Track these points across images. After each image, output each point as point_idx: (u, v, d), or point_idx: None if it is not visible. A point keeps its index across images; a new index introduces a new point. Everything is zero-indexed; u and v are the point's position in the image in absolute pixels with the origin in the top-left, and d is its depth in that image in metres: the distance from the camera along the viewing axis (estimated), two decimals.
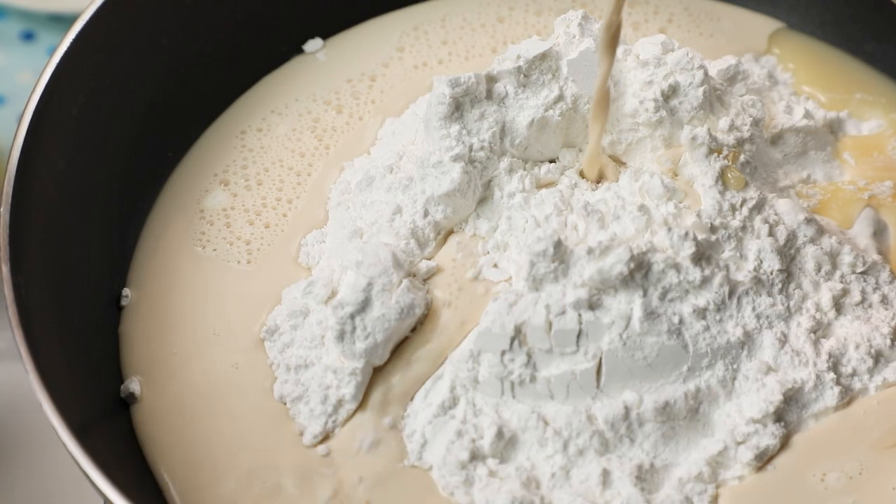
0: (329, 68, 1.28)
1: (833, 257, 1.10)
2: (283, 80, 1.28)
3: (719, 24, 1.32)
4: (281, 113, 1.25)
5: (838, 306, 1.09)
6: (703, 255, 1.05)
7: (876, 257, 1.13)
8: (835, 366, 1.07)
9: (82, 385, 1.06)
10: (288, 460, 1.05)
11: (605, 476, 1.02)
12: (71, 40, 1.15)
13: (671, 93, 1.11)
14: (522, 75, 1.12)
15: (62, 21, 1.63)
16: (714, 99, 1.13)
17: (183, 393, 1.09)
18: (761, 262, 1.07)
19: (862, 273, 1.11)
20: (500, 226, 1.11)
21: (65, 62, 1.14)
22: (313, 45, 1.31)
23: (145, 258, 1.17)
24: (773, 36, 1.32)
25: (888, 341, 1.08)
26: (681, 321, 1.04)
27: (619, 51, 1.10)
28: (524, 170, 1.12)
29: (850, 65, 1.31)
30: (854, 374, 1.07)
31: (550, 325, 1.02)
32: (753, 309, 1.07)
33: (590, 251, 1.03)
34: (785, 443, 1.04)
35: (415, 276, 1.09)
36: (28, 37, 1.63)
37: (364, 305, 1.05)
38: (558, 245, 1.02)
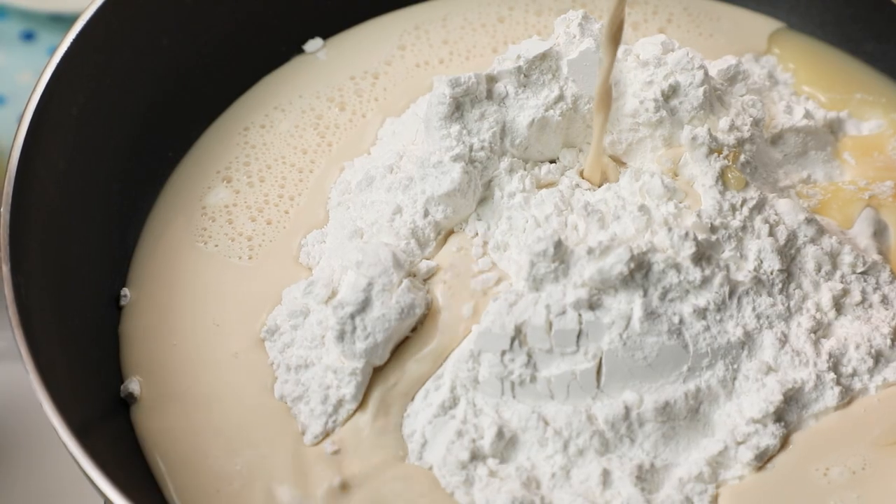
0: (332, 66, 1.29)
1: (833, 257, 1.10)
2: (287, 77, 1.28)
3: (719, 24, 1.32)
4: (284, 110, 1.26)
5: (838, 306, 1.09)
6: (703, 255, 1.05)
7: (876, 257, 1.13)
8: (835, 366, 1.07)
9: (82, 385, 1.06)
10: (288, 460, 1.05)
11: (606, 476, 1.02)
12: (71, 40, 1.15)
13: (671, 93, 1.11)
14: (523, 75, 1.12)
15: (62, 21, 1.63)
16: (714, 99, 1.13)
17: (183, 392, 1.09)
18: (761, 262, 1.07)
19: (862, 273, 1.11)
20: (500, 226, 1.11)
21: (65, 62, 1.14)
22: (314, 44, 1.31)
23: (147, 254, 1.17)
24: (773, 36, 1.32)
25: (888, 341, 1.08)
26: (681, 321, 1.04)
27: (620, 50, 1.10)
28: (524, 170, 1.12)
29: (850, 65, 1.31)
30: (854, 374, 1.07)
31: (551, 325, 1.02)
32: (754, 309, 1.07)
33: (590, 251, 1.03)
34: (785, 441, 1.04)
35: (415, 276, 1.09)
36: (28, 37, 1.63)
37: (364, 305, 1.05)
38: (558, 245, 1.02)
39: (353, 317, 1.04)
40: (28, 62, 1.61)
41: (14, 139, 1.09)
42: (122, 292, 1.15)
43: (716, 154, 1.10)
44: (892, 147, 1.23)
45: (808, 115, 1.20)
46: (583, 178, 1.13)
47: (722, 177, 1.09)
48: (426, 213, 1.10)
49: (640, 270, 1.03)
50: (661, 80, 1.11)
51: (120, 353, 1.12)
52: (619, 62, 1.12)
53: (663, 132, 1.12)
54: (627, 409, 1.03)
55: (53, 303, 1.08)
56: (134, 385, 1.10)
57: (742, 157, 1.11)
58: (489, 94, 1.11)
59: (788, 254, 1.09)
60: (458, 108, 1.10)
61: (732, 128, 1.12)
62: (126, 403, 1.10)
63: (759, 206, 1.09)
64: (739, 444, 1.03)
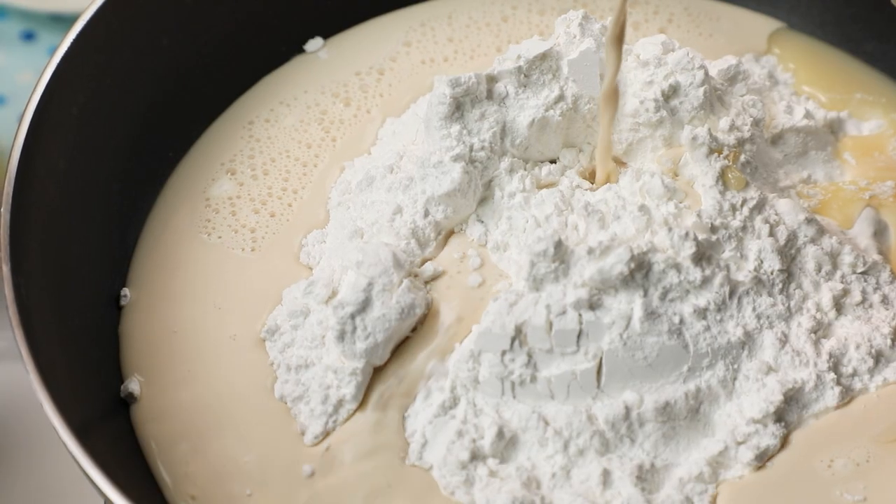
0: (337, 62, 1.29)
1: (833, 257, 1.10)
2: (291, 74, 1.29)
3: (719, 24, 1.32)
4: (289, 105, 1.26)
5: (839, 306, 1.09)
6: (703, 255, 1.05)
7: (876, 257, 1.13)
8: (835, 366, 1.07)
9: (82, 385, 1.06)
10: (289, 460, 1.05)
11: (606, 476, 1.02)
12: (71, 40, 1.15)
13: (672, 93, 1.11)
14: (523, 75, 1.12)
15: (62, 21, 1.63)
16: (714, 99, 1.13)
17: (183, 392, 1.09)
18: (762, 262, 1.07)
19: (862, 273, 1.11)
20: (500, 226, 1.11)
21: (65, 62, 1.14)
22: (314, 44, 1.31)
23: (150, 245, 1.18)
24: (774, 36, 1.32)
25: (888, 341, 1.08)
26: (681, 321, 1.04)
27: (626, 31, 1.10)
28: (525, 170, 1.12)
29: (851, 65, 1.31)
30: (854, 374, 1.07)
31: (551, 325, 1.02)
32: (754, 309, 1.07)
33: (590, 251, 1.03)
34: (785, 440, 1.04)
35: (416, 276, 1.09)
36: (28, 37, 1.63)
37: (364, 305, 1.05)
38: (559, 245, 1.02)
39: (353, 317, 1.04)
40: (28, 62, 1.61)
41: (14, 139, 1.09)
42: (122, 292, 1.15)
43: (716, 154, 1.10)
44: (892, 147, 1.23)
45: (808, 115, 1.20)
46: (584, 179, 1.13)
47: (722, 177, 1.09)
48: (426, 213, 1.10)
49: (640, 270, 1.03)
50: (661, 80, 1.11)
51: (120, 353, 1.12)
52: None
53: (663, 132, 1.12)
54: (628, 409, 1.03)
55: (53, 303, 1.08)
56: (134, 385, 1.10)
57: (742, 157, 1.11)
58: (489, 94, 1.11)
59: (789, 254, 1.09)
60: (458, 108, 1.10)
61: (733, 128, 1.12)
62: (126, 403, 1.10)
63: (760, 206, 1.09)
64: (740, 444, 1.03)
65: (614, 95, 1.08)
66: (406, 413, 1.06)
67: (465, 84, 1.10)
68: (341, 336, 1.05)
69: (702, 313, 1.05)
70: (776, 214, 1.10)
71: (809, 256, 1.10)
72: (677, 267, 1.04)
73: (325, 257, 1.14)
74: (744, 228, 1.08)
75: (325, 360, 1.06)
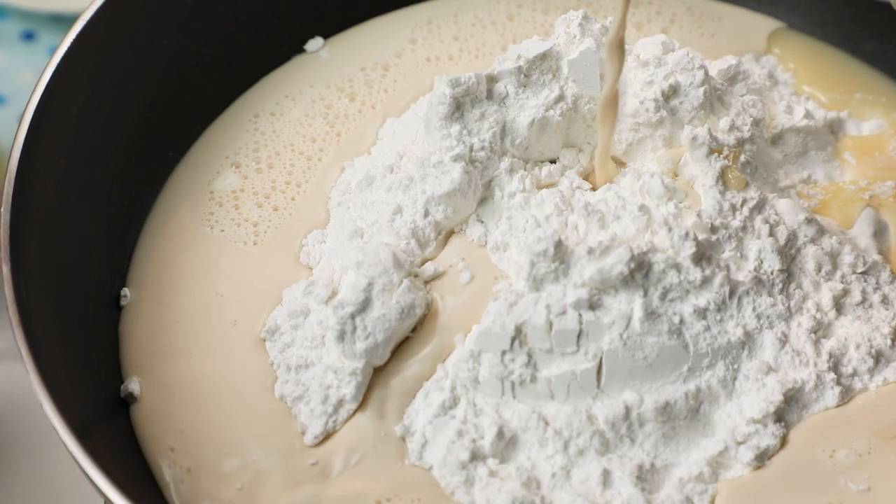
0: (343, 57, 1.29)
1: (833, 257, 1.10)
2: (298, 68, 1.29)
3: (721, 24, 1.32)
4: (295, 98, 1.26)
5: (839, 306, 1.09)
6: (703, 255, 1.05)
7: (876, 257, 1.13)
8: (835, 366, 1.07)
9: (82, 385, 1.06)
10: (289, 460, 1.05)
11: (606, 476, 1.02)
12: (71, 40, 1.15)
13: (672, 93, 1.11)
14: (523, 75, 1.12)
15: (62, 21, 1.63)
16: (714, 99, 1.13)
17: (183, 392, 1.09)
18: (762, 262, 1.07)
19: (862, 273, 1.11)
20: (500, 226, 1.11)
21: (65, 62, 1.14)
22: (314, 44, 1.31)
23: (153, 238, 1.18)
24: (774, 36, 1.32)
25: (889, 341, 1.08)
26: (681, 321, 1.04)
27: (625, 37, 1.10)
28: (524, 170, 1.12)
29: (850, 65, 1.31)
30: (854, 374, 1.07)
31: (551, 325, 1.02)
32: (754, 309, 1.07)
33: (590, 251, 1.03)
34: (784, 438, 1.04)
35: (416, 276, 1.09)
36: (28, 37, 1.63)
37: (364, 305, 1.05)
38: (559, 245, 1.02)
39: (353, 317, 1.04)
40: (28, 62, 1.61)
41: (14, 139, 1.09)
42: (122, 292, 1.15)
43: (716, 154, 1.10)
44: (892, 147, 1.23)
45: (808, 115, 1.20)
46: (584, 179, 1.13)
47: (722, 177, 1.09)
48: (426, 213, 1.10)
49: (640, 270, 1.03)
50: (661, 80, 1.11)
51: (120, 353, 1.12)
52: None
53: (663, 132, 1.12)
54: (628, 409, 1.03)
55: (53, 303, 1.08)
56: (134, 385, 1.10)
57: (742, 157, 1.11)
58: (489, 94, 1.11)
59: (789, 254, 1.09)
60: (458, 108, 1.10)
61: (732, 128, 1.12)
62: (126, 403, 1.10)
63: (760, 206, 1.09)
64: (740, 444, 1.03)
65: (614, 103, 1.08)
66: (406, 413, 1.06)
67: (465, 84, 1.10)
68: (341, 336, 1.05)
69: (702, 313, 1.05)
70: (776, 214, 1.10)
71: (809, 256, 1.10)
72: (677, 267, 1.04)
73: (325, 257, 1.14)
74: (744, 228, 1.08)
75: (325, 360, 1.06)
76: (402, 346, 1.07)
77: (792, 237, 1.09)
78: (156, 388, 1.10)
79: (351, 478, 1.04)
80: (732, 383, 1.05)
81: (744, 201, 1.09)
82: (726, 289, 1.06)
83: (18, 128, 1.10)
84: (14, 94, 1.59)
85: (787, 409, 1.05)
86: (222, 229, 1.18)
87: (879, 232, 1.16)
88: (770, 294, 1.07)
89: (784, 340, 1.07)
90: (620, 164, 1.14)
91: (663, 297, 1.04)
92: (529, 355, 1.03)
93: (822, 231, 1.11)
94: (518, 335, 1.03)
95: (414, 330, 1.08)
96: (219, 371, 1.10)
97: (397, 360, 1.07)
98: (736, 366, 1.06)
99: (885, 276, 1.12)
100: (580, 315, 1.02)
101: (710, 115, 1.12)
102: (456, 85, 1.09)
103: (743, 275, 1.07)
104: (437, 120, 1.10)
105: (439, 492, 1.03)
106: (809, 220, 1.10)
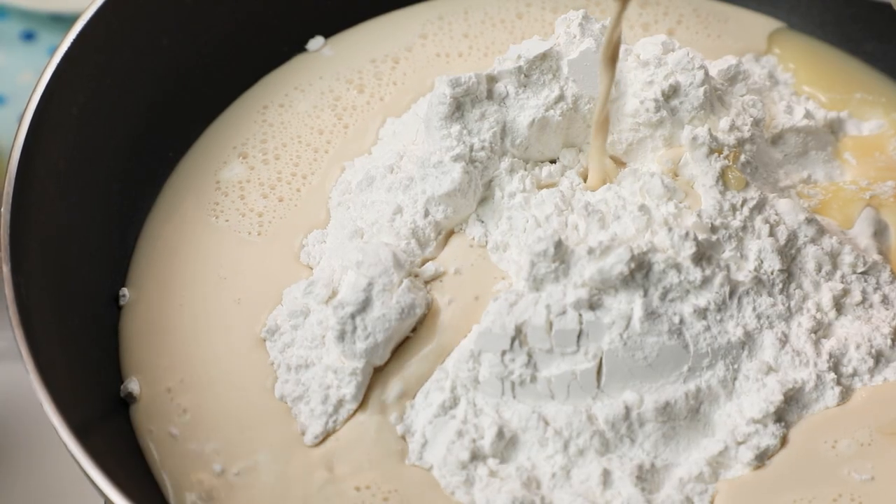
0: (354, 49, 1.29)
1: (834, 257, 1.10)
2: (307, 60, 1.29)
3: (727, 25, 1.32)
4: (304, 90, 1.26)
5: (839, 306, 1.09)
6: (703, 255, 1.05)
7: (877, 257, 1.13)
8: (835, 366, 1.07)
9: (82, 385, 1.06)
10: (289, 460, 1.05)
11: (606, 476, 1.02)
12: (71, 40, 1.15)
13: (672, 93, 1.11)
14: (523, 75, 1.12)
15: (63, 21, 1.63)
16: (715, 99, 1.13)
17: (183, 392, 1.09)
18: (762, 262, 1.07)
19: (862, 273, 1.11)
20: (500, 226, 1.11)
21: (65, 62, 1.14)
22: (315, 43, 1.31)
23: (157, 227, 1.18)
24: (774, 36, 1.32)
25: (889, 341, 1.08)
26: (681, 321, 1.04)
27: (620, 50, 1.10)
28: (525, 170, 1.12)
29: (851, 65, 1.31)
30: (855, 374, 1.07)
31: (551, 324, 1.02)
32: (754, 309, 1.07)
33: (590, 251, 1.03)
34: (784, 438, 1.05)
35: (416, 276, 1.09)
36: (28, 37, 1.63)
37: (364, 305, 1.05)
38: (559, 245, 1.02)
39: (353, 317, 1.04)
40: (28, 62, 1.61)
41: (14, 139, 1.09)
42: (122, 292, 1.15)
43: (716, 154, 1.10)
44: (892, 147, 1.23)
45: (808, 115, 1.20)
46: (584, 180, 1.13)
47: (722, 177, 1.09)
48: (426, 213, 1.10)
49: (640, 270, 1.03)
50: (661, 80, 1.11)
51: (120, 352, 1.12)
52: (619, 62, 1.11)
53: (664, 132, 1.12)
54: (628, 409, 1.03)
55: (53, 303, 1.08)
56: (134, 385, 1.10)
57: (742, 157, 1.11)
58: (490, 94, 1.12)
59: (789, 254, 1.09)
60: (458, 108, 1.10)
61: (733, 128, 1.12)
62: (126, 403, 1.10)
63: (760, 206, 1.09)
64: (740, 444, 1.03)
65: (605, 123, 1.09)
66: (406, 413, 1.06)
67: (465, 84, 1.10)
68: (341, 336, 1.05)
69: (702, 313, 1.05)
70: (776, 214, 1.10)
71: (809, 256, 1.10)
72: (677, 267, 1.04)
73: (325, 257, 1.14)
74: (744, 228, 1.08)
75: (326, 360, 1.06)
76: (402, 346, 1.07)
77: (792, 237, 1.09)
78: (155, 388, 1.10)
79: (351, 478, 1.04)
80: (732, 383, 1.05)
81: (744, 201, 1.09)
82: (726, 289, 1.06)
83: (18, 128, 1.10)
84: (14, 94, 1.59)
85: (788, 409, 1.05)
86: (227, 219, 1.18)
87: (880, 232, 1.16)
88: (770, 294, 1.07)
89: (784, 340, 1.07)
90: (620, 163, 1.14)
91: (663, 297, 1.04)
92: (529, 355, 1.03)
93: (822, 231, 1.11)
94: (518, 335, 1.03)
95: (414, 330, 1.08)
96: (219, 371, 1.10)
97: (397, 360, 1.07)
98: (736, 366, 1.06)
99: (885, 276, 1.12)
100: (580, 315, 1.02)
101: (710, 115, 1.12)
102: (456, 85, 1.10)
103: (743, 275, 1.07)
104: (438, 120, 1.10)
105: (439, 492, 1.03)
106: (809, 220, 1.10)
